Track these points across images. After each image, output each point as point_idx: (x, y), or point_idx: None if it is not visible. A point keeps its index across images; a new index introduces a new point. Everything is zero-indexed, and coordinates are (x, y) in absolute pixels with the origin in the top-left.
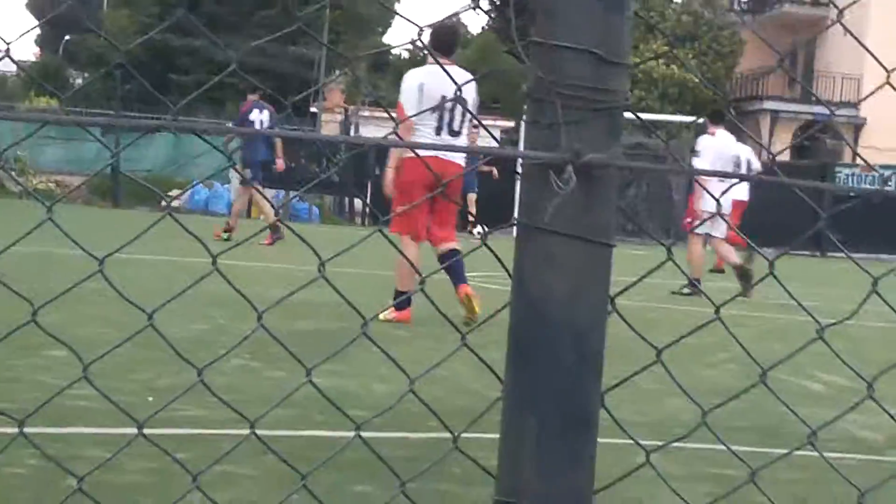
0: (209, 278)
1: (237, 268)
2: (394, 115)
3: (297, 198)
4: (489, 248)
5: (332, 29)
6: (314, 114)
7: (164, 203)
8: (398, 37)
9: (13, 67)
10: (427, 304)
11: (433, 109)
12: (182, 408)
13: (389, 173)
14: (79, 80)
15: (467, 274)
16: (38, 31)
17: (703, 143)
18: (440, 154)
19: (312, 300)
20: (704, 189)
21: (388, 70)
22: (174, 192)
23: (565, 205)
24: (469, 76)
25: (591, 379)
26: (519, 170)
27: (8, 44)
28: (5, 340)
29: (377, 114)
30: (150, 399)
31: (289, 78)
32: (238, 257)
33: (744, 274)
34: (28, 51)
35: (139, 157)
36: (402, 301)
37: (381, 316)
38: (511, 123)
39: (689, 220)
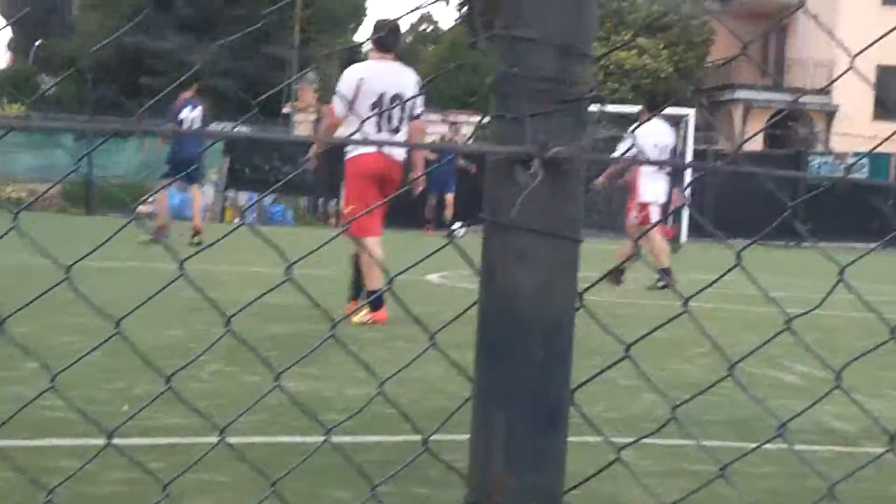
0: (184, 284)
1: (213, 272)
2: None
3: (272, 200)
4: (456, 246)
5: (303, 28)
6: (287, 115)
7: (141, 209)
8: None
9: None
10: (405, 304)
11: (374, 106)
12: (159, 416)
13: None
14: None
15: (439, 274)
16: (10, 36)
17: (638, 131)
18: (383, 151)
19: (288, 303)
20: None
21: None
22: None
23: (532, 200)
24: (411, 73)
25: (561, 375)
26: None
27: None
28: None
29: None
30: (125, 408)
31: (260, 78)
32: (214, 261)
33: (666, 274)
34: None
35: (112, 162)
36: (375, 301)
37: (356, 319)
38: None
39: (634, 213)
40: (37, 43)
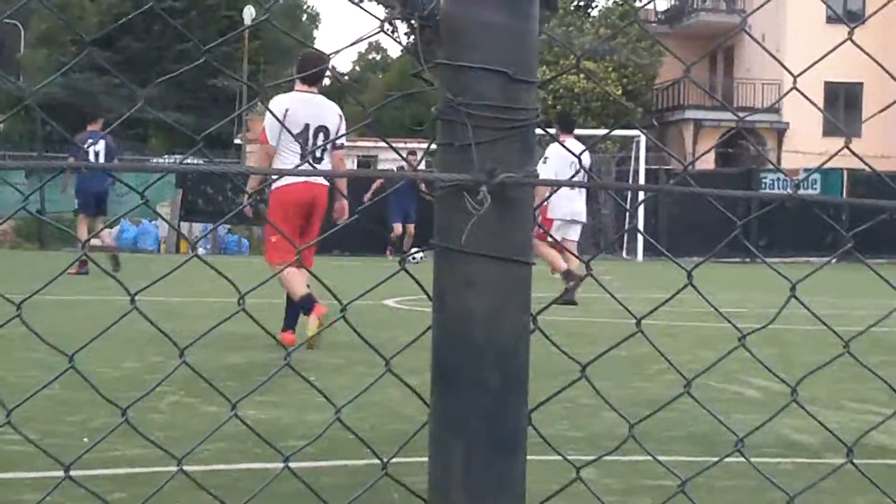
0: (140, 316)
1: (168, 304)
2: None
3: (227, 230)
4: (407, 272)
5: (252, 60)
6: (238, 145)
7: (81, 244)
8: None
9: None
10: (366, 330)
11: (298, 136)
12: (119, 447)
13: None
14: None
15: (396, 299)
16: None
17: (550, 150)
18: (310, 179)
19: (245, 332)
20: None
21: None
22: (105, 232)
23: (481, 225)
24: (334, 105)
25: (517, 398)
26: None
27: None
28: None
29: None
30: (86, 440)
31: (212, 112)
32: (169, 293)
33: (570, 276)
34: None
35: (64, 198)
36: (309, 301)
37: (310, 332)
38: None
39: (541, 229)
40: None
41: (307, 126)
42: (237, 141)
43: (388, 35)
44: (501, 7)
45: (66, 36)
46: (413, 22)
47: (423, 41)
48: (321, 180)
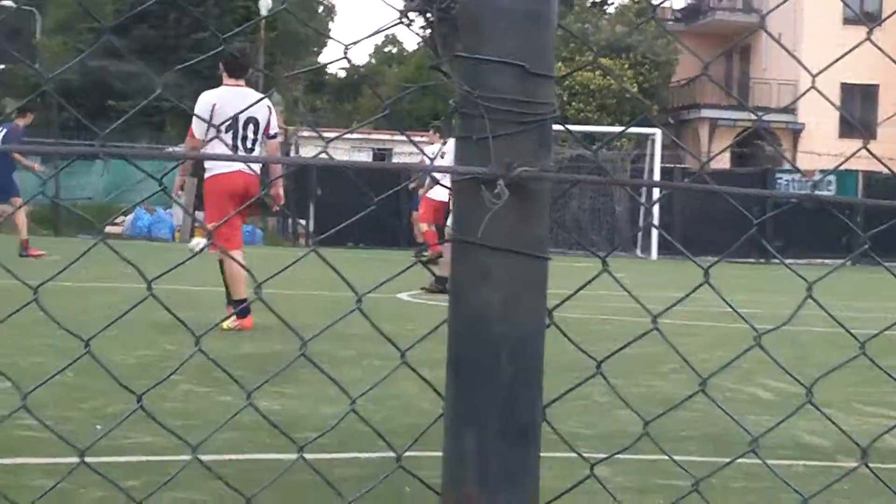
0: (155, 304)
1: (182, 292)
2: (327, 134)
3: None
4: (423, 265)
5: (268, 50)
6: None
7: (109, 230)
8: (334, 55)
9: None
10: (380, 323)
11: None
12: (133, 435)
13: (178, 182)
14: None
15: (410, 292)
16: None
17: (449, 144)
18: (242, 168)
19: (259, 322)
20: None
21: (326, 89)
22: (120, 220)
23: (498, 219)
24: (259, 95)
25: (531, 392)
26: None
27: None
28: None
29: (314, 134)
30: (98, 427)
31: None
32: (185, 281)
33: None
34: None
35: (80, 184)
36: (243, 310)
37: (225, 325)
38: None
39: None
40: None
41: (236, 118)
42: None
43: (406, 27)
44: None
45: (82, 23)
46: (430, 14)
47: (441, 34)
48: (253, 169)
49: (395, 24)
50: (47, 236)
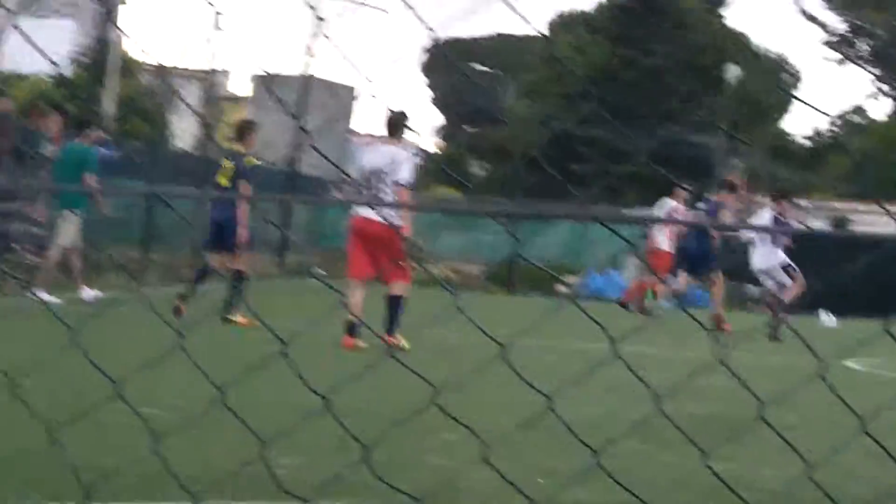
0: (609, 365)
1: (632, 353)
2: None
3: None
4: (890, 334)
5: (731, 116)
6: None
7: (562, 289)
8: (797, 123)
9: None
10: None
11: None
12: (573, 492)
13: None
14: (478, 170)
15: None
16: (442, 122)
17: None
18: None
19: (704, 384)
20: None
21: (787, 156)
22: (569, 279)
23: None
24: (402, 153)
25: None
26: None
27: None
28: (405, 423)
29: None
30: (541, 481)
31: (683, 166)
32: (632, 342)
33: None
34: (430, 142)
35: (535, 245)
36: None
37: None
38: None
39: None
40: (469, 130)
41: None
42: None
43: (884, 95)
44: None
45: (552, 88)
46: None
47: None
48: (373, 217)
49: (870, 98)
50: (500, 294)
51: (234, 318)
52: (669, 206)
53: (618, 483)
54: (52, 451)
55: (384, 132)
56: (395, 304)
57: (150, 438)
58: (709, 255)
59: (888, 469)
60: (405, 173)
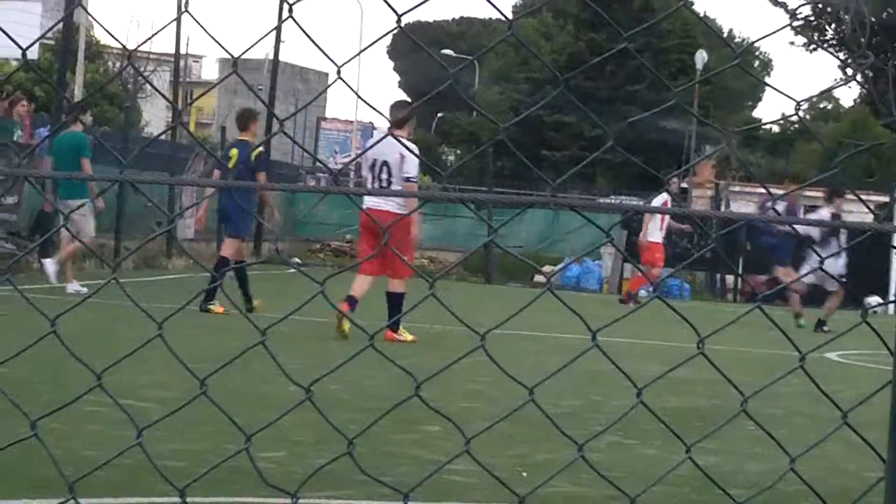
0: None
1: (611, 344)
2: (770, 189)
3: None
4: (869, 325)
5: (701, 104)
6: (684, 189)
7: (537, 279)
8: (768, 111)
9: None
10: (805, 382)
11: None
12: (556, 484)
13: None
14: (450, 158)
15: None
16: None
17: None
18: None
19: (683, 376)
20: None
21: (759, 144)
22: (546, 269)
23: None
24: (409, 145)
25: None
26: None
27: (391, 124)
28: (387, 415)
29: (748, 189)
30: (524, 474)
31: (656, 154)
32: (610, 334)
33: None
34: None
35: (510, 233)
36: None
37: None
38: (885, 199)
39: None
40: (439, 115)
41: (374, 162)
42: (684, 185)
43: (859, 84)
44: None
45: (519, 73)
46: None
47: (878, 91)
48: (383, 206)
49: (840, 86)
50: (478, 283)
51: (213, 308)
52: (662, 198)
53: (601, 475)
54: (31, 443)
55: (390, 123)
56: (393, 300)
57: (135, 431)
58: (791, 249)
59: (871, 461)
60: (411, 168)
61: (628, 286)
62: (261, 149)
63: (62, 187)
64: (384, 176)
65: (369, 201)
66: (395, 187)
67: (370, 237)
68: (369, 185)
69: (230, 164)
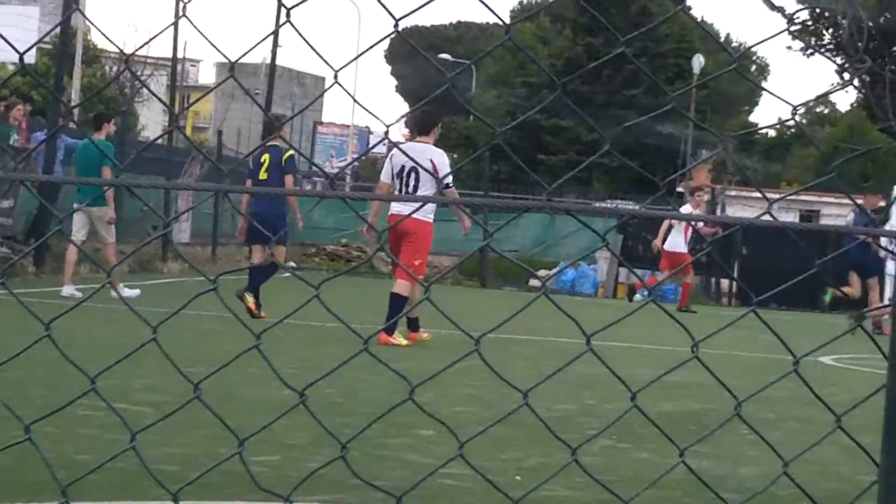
0: (578, 358)
1: (605, 348)
2: (766, 193)
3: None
4: (863, 329)
5: (698, 109)
6: (680, 193)
7: (532, 283)
8: (765, 115)
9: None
10: (803, 388)
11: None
12: (549, 488)
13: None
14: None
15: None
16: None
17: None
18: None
19: (678, 380)
20: None
21: (755, 149)
22: (541, 273)
23: None
24: (437, 151)
25: None
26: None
27: (388, 127)
28: (381, 419)
29: (744, 193)
30: (518, 478)
31: (653, 158)
32: (604, 337)
33: None
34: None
35: (506, 237)
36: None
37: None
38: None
39: None
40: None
41: (402, 168)
42: (679, 189)
43: (856, 88)
44: None
45: (516, 77)
46: (866, 76)
47: (875, 95)
48: (401, 211)
49: (838, 90)
50: (473, 287)
51: (249, 301)
52: (686, 211)
53: (595, 479)
54: (25, 447)
55: (415, 131)
56: (394, 302)
57: (128, 434)
58: (876, 261)
59: (865, 465)
60: (446, 174)
61: (679, 303)
62: (291, 151)
63: (84, 194)
64: (412, 182)
65: (394, 207)
66: (425, 194)
67: (394, 241)
68: (396, 192)
69: (262, 169)
